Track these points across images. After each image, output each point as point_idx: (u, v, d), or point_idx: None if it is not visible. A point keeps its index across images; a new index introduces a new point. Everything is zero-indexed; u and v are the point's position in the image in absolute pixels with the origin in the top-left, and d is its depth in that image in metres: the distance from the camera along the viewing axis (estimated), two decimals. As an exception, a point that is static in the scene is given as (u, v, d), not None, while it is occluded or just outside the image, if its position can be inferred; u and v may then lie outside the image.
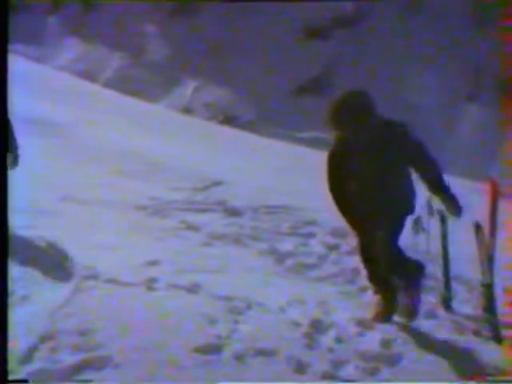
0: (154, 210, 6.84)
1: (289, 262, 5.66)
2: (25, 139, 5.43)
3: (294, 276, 5.37)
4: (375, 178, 4.09)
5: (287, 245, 6.13)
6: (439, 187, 4.11)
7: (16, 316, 3.57)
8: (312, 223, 6.97)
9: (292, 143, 28.19)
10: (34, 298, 3.97)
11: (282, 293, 4.72)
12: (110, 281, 4.35)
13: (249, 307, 4.22)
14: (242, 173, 10.28)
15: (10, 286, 3.78)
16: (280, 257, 5.76)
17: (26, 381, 3.12)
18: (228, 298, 4.30)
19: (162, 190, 7.98)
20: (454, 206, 4.14)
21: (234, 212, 7.20)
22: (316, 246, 6.23)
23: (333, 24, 35.36)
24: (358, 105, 4.03)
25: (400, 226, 4.25)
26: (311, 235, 6.56)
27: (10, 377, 3.11)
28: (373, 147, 4.05)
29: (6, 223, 3.70)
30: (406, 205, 4.27)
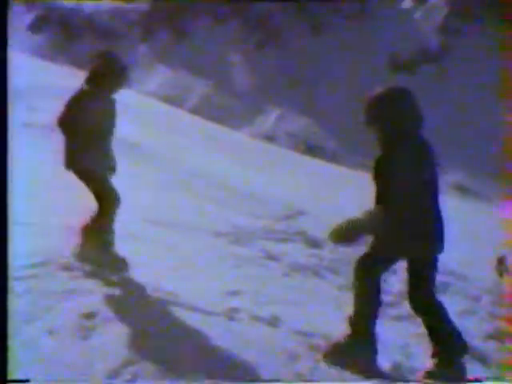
0: (235, 238, 6.84)
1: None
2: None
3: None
4: (417, 199, 3.73)
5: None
6: None
7: (96, 341, 3.60)
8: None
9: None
10: (115, 323, 3.98)
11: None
12: (191, 308, 4.33)
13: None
14: (323, 203, 10.19)
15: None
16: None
17: (26, 380, 3.13)
18: (308, 334, 4.20)
19: (243, 218, 8.00)
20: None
21: (314, 243, 7.13)
22: (396, 284, 6.03)
23: (419, 59, 35.24)
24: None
25: (435, 266, 3.91)
26: (391, 271, 6.37)
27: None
28: (417, 161, 3.74)
29: (5, 223, 3.69)
30: (440, 240, 3.86)
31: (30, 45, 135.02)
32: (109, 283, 4.58)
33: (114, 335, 3.74)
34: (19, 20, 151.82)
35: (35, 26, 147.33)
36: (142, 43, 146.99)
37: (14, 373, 3.26)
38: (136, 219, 6.88)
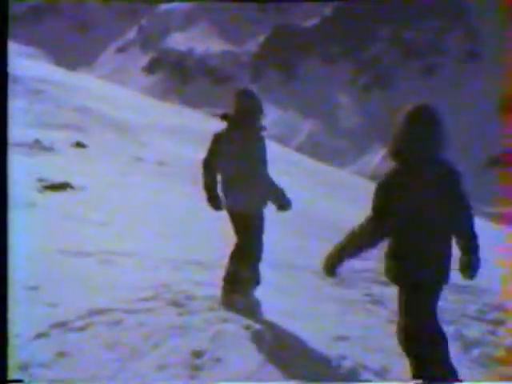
0: (340, 279, 6.72)
1: (475, 351, 5.20)
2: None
3: (481, 370, 4.90)
4: (426, 226, 3.50)
5: (474, 331, 5.68)
6: (470, 247, 3.64)
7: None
8: (500, 309, 6.41)
9: (479, 217, 26.77)
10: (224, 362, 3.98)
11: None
12: (298, 350, 4.31)
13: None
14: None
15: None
16: (467, 344, 5.32)
17: (22, 381, 3.19)
18: None
19: (350, 258, 7.86)
20: (472, 268, 3.65)
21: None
22: (505, 337, 5.68)
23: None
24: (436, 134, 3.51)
25: (438, 294, 3.67)
26: (499, 322, 6.02)
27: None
28: (431, 188, 3.50)
29: (5, 222, 3.70)
30: (446, 270, 3.62)
31: (144, 84, 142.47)
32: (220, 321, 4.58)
33: (222, 376, 3.74)
34: (135, 61, 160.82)
35: (149, 68, 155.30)
36: (251, 84, 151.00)
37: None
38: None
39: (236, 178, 4.88)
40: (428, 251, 3.54)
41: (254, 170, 4.92)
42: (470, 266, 3.66)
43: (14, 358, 3.63)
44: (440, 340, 3.65)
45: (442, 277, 3.64)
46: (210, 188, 5.03)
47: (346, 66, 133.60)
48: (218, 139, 4.92)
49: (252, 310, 4.96)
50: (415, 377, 3.66)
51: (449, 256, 3.63)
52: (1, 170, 3.63)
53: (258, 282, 5.08)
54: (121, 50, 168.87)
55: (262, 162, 5.00)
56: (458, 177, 3.63)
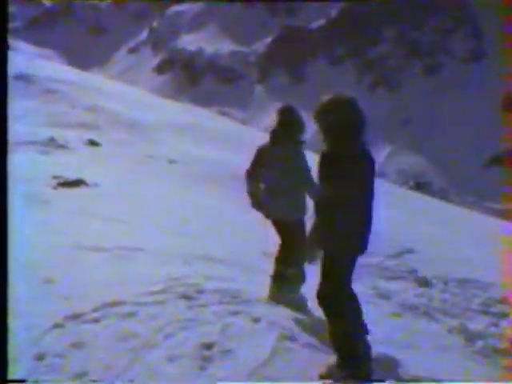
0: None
1: (479, 343, 5.30)
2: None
3: (484, 360, 5.02)
4: (350, 200, 3.82)
5: (478, 324, 5.78)
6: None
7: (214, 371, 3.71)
8: (504, 302, 6.50)
9: (484, 213, 26.69)
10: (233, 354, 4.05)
11: (472, 378, 4.43)
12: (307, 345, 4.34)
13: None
14: (433, 241, 9.94)
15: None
16: (470, 337, 5.42)
17: (25, 381, 3.21)
18: (421, 380, 4.09)
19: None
20: None
21: (424, 282, 6.99)
22: (508, 329, 5.81)
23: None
24: (359, 120, 3.88)
25: (353, 264, 4.01)
26: (502, 315, 6.11)
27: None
28: (356, 167, 3.83)
29: (4, 221, 3.65)
30: (363, 242, 3.99)
31: (155, 84, 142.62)
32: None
33: (231, 368, 3.79)
34: (146, 62, 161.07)
35: (160, 68, 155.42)
36: (259, 84, 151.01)
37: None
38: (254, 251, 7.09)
39: (276, 189, 5.20)
40: (348, 225, 3.84)
41: (292, 182, 5.19)
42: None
43: (31, 348, 3.72)
44: (352, 300, 4.05)
45: (359, 247, 3.97)
46: (253, 195, 5.40)
47: (352, 66, 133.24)
48: (260, 152, 5.30)
49: (299, 305, 5.24)
50: (331, 335, 3.96)
51: (366, 230, 3.97)
52: (1, 168, 3.66)
53: (303, 280, 5.35)
54: (132, 50, 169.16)
55: (302, 172, 5.25)
56: (374, 164, 3.96)
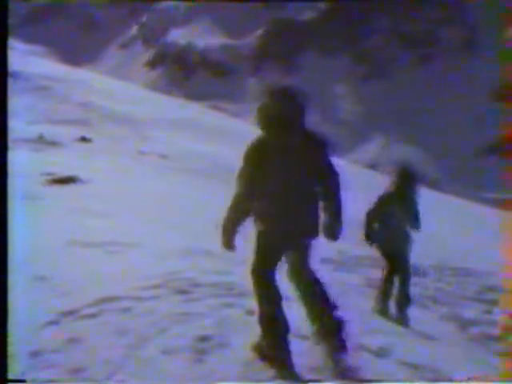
0: (340, 264, 6.85)
1: (473, 330, 5.34)
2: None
3: (478, 347, 5.06)
4: (288, 188, 3.79)
5: (471, 311, 5.82)
6: (334, 211, 3.93)
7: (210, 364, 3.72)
8: (496, 290, 6.56)
9: (476, 203, 26.77)
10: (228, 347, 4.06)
11: (467, 364, 4.44)
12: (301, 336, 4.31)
13: (437, 379, 3.96)
14: (427, 231, 9.98)
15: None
16: (463, 324, 5.46)
17: (25, 381, 3.23)
18: (416, 367, 4.07)
19: (349, 244, 8.00)
20: (333, 231, 3.93)
21: (418, 272, 7.02)
22: (501, 316, 5.89)
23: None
24: (289, 109, 3.81)
25: (308, 249, 4.00)
26: (495, 302, 6.17)
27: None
28: (292, 155, 3.78)
29: (5, 221, 3.67)
30: (314, 226, 3.94)
31: (147, 79, 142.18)
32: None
33: (227, 360, 3.80)
34: (137, 57, 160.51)
35: (151, 63, 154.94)
36: (251, 76, 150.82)
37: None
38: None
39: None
40: (292, 210, 3.81)
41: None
42: (332, 228, 3.93)
43: (27, 345, 3.73)
44: (268, 288, 3.94)
45: (306, 232, 3.93)
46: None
47: (345, 57, 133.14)
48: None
49: (402, 323, 5.37)
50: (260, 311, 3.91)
51: (314, 215, 3.92)
52: (2, 165, 3.65)
53: (408, 300, 5.60)
54: (123, 46, 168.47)
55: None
56: (322, 146, 3.90)
